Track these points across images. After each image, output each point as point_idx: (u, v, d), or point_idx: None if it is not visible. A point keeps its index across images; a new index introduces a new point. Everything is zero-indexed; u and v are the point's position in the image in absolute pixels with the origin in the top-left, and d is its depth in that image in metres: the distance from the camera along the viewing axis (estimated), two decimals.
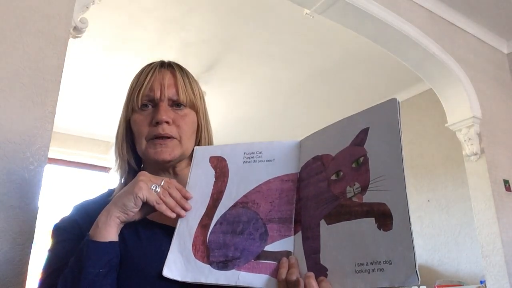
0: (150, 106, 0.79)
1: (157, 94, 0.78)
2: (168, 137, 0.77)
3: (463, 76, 2.63)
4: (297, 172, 0.70)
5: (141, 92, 0.78)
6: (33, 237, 1.05)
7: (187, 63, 0.90)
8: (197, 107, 0.83)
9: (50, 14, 1.24)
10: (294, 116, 4.36)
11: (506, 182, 2.57)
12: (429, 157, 3.54)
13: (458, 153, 2.94)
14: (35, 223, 1.07)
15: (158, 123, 0.76)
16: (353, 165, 0.61)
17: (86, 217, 0.74)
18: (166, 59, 0.86)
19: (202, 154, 0.77)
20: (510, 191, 2.57)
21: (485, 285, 2.44)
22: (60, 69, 1.21)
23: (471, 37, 2.90)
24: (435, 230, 3.36)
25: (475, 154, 2.55)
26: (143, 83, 0.79)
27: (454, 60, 2.62)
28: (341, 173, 0.62)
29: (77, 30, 1.35)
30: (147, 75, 0.80)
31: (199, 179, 0.75)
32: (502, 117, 2.83)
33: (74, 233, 0.73)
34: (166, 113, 0.77)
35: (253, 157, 0.74)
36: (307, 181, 0.67)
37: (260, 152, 0.74)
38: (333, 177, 0.63)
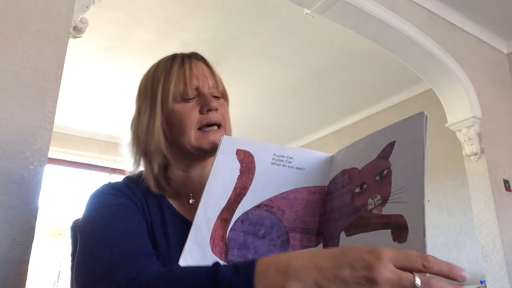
0: (193, 97, 0.80)
1: (202, 84, 0.81)
2: (217, 125, 0.80)
3: (463, 76, 2.63)
4: (325, 185, 0.69)
5: (187, 82, 0.80)
6: (33, 237, 1.05)
7: None
8: (227, 99, 0.87)
9: (50, 14, 1.24)
10: (293, 116, 4.36)
11: (506, 182, 2.58)
12: (429, 157, 3.54)
13: (458, 153, 2.94)
14: (35, 223, 1.06)
15: (209, 111, 0.79)
16: (377, 178, 0.61)
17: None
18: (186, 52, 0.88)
19: (229, 144, 0.75)
20: (510, 191, 2.57)
21: (485, 285, 2.44)
22: (60, 69, 1.21)
23: (471, 37, 2.90)
24: (435, 230, 3.36)
25: (475, 154, 2.54)
26: (184, 74, 0.80)
27: (454, 60, 2.62)
28: (365, 186, 0.62)
29: (77, 30, 1.34)
30: (186, 66, 0.81)
31: (223, 169, 0.72)
32: (502, 117, 2.83)
33: (131, 198, 0.73)
34: (214, 101, 0.80)
35: (282, 161, 0.72)
36: (333, 194, 0.67)
37: (291, 158, 0.72)
38: (357, 190, 0.63)
